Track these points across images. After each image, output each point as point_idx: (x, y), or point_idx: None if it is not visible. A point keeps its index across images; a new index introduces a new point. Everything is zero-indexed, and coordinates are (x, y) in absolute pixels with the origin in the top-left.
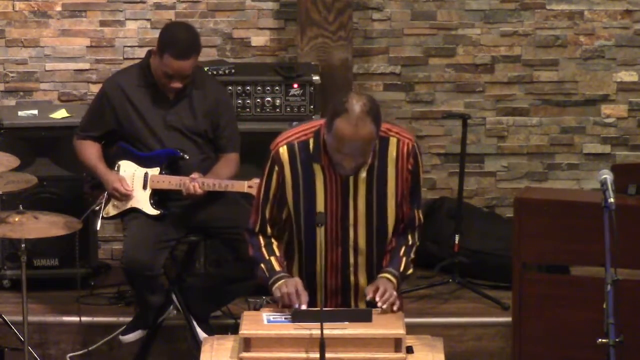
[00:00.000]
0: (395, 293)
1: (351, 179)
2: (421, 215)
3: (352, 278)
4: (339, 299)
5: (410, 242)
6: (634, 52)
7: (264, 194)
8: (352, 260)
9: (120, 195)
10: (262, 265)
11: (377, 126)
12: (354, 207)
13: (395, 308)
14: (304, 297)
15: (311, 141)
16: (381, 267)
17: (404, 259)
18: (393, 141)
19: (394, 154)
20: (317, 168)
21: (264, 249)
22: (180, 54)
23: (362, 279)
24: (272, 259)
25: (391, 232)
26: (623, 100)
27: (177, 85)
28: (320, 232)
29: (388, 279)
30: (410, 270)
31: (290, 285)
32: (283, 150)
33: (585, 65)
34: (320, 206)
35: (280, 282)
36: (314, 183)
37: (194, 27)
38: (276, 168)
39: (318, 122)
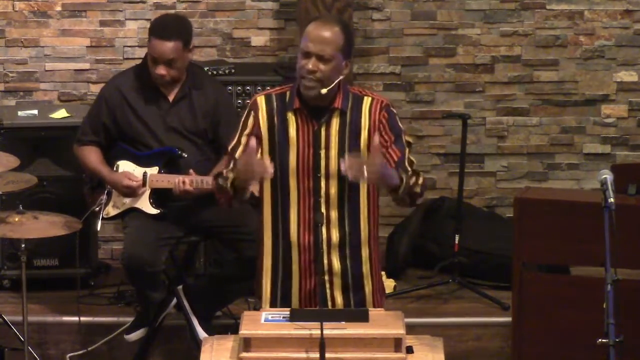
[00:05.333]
0: (371, 169)
1: (323, 129)
2: (412, 159)
3: (324, 232)
4: (311, 254)
5: (411, 170)
6: (634, 52)
7: (237, 139)
8: (324, 212)
9: (134, 191)
10: (220, 187)
11: (344, 35)
12: (325, 157)
13: (357, 174)
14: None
15: (288, 93)
16: (354, 223)
17: (413, 178)
18: (367, 100)
19: (368, 110)
20: (290, 118)
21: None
22: (161, 34)
23: (335, 234)
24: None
25: (364, 186)
26: (623, 100)
27: (161, 72)
28: (293, 185)
29: (394, 175)
30: (419, 189)
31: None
32: (260, 99)
33: (585, 65)
34: (292, 156)
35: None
36: (287, 132)
37: (186, 18)
38: (252, 113)
39: None
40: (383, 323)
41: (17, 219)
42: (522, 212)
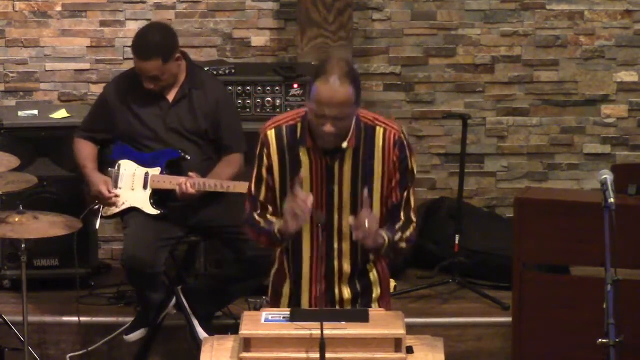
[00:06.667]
0: (372, 231)
1: (336, 165)
2: (411, 199)
3: (335, 264)
4: (323, 284)
5: (404, 220)
6: (634, 52)
7: (257, 175)
8: (336, 245)
9: (103, 199)
10: (264, 227)
11: (355, 89)
12: (338, 192)
13: (361, 236)
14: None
15: (299, 125)
16: (365, 252)
17: (399, 233)
18: (380, 130)
19: (381, 142)
20: (303, 153)
21: (260, 220)
22: (139, 54)
23: (346, 265)
24: (268, 218)
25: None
26: (623, 100)
27: (149, 85)
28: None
29: (380, 234)
30: (404, 245)
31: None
32: (271, 133)
33: (585, 65)
34: (305, 191)
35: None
36: (299, 168)
37: (170, 30)
38: (265, 150)
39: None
40: (383, 323)
41: (17, 219)
42: (522, 212)
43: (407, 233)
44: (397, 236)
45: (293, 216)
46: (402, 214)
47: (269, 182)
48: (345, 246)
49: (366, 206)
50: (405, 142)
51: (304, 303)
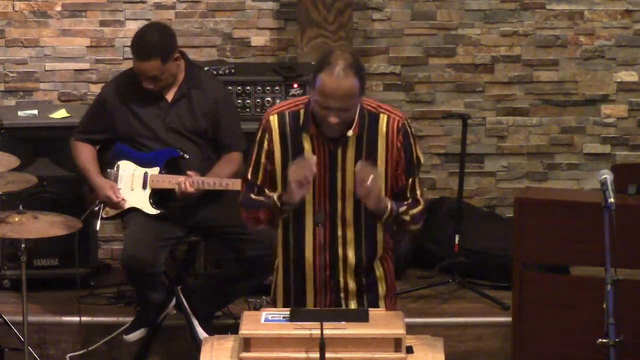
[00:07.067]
0: (375, 189)
1: (339, 151)
2: (417, 185)
3: (340, 251)
4: (327, 273)
5: (411, 199)
6: (634, 52)
7: (255, 161)
8: (340, 232)
9: (113, 204)
10: (264, 201)
11: (359, 80)
12: (342, 179)
13: (366, 188)
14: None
15: (302, 112)
16: (371, 242)
17: (405, 207)
18: (383, 117)
19: (384, 129)
20: (306, 139)
21: (257, 197)
22: (138, 54)
23: (351, 254)
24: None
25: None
26: (623, 100)
27: (148, 85)
28: (309, 206)
29: (384, 200)
30: (408, 219)
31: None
32: (274, 119)
33: (585, 65)
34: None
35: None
36: (302, 154)
37: (169, 30)
38: (267, 135)
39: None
40: (383, 323)
41: (17, 219)
42: (522, 212)
43: (414, 210)
44: (402, 209)
45: (298, 183)
46: (408, 195)
47: (267, 167)
48: (350, 234)
49: (370, 167)
50: (409, 130)
51: (309, 292)
